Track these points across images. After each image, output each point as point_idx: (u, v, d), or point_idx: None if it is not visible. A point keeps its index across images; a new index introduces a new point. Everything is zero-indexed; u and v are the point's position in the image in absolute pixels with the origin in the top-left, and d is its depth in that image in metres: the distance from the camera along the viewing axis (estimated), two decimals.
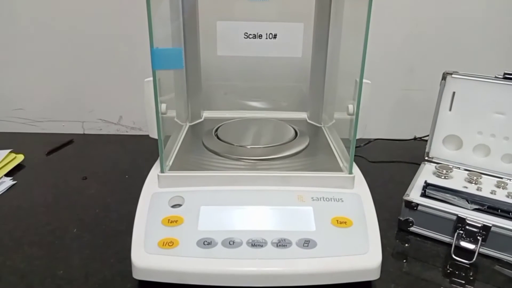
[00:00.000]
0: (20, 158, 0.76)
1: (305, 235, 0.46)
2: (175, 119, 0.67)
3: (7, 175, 0.71)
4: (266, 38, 0.46)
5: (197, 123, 0.70)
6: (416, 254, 0.54)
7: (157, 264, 0.44)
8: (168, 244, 0.45)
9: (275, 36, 0.46)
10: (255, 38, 0.46)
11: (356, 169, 0.53)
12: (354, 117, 0.50)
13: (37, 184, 0.70)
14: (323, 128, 0.69)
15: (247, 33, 0.45)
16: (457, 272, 0.51)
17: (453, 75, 0.64)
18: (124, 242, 0.53)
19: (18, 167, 0.75)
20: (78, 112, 0.91)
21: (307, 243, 0.45)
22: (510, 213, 0.53)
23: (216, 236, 0.46)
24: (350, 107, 0.52)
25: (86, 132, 0.92)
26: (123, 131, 0.93)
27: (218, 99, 0.84)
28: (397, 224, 0.58)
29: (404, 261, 0.53)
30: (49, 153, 0.81)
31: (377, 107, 0.90)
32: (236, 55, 0.47)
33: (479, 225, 0.51)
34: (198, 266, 0.43)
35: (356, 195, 0.51)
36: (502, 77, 0.61)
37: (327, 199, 0.50)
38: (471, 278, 0.50)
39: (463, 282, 0.49)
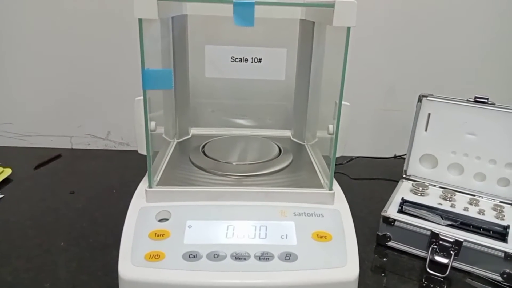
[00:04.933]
0: (7, 172, 0.77)
1: (287, 249, 0.48)
2: (163, 136, 0.69)
3: None
4: (252, 62, 0.49)
5: (185, 140, 0.73)
6: (393, 267, 0.57)
7: (143, 276, 0.45)
8: (155, 257, 0.46)
9: (260, 60, 0.49)
10: (241, 61, 0.48)
11: (336, 186, 0.56)
12: (334, 136, 0.53)
13: (25, 198, 0.70)
14: (306, 146, 0.72)
15: (233, 56, 0.48)
16: (431, 285, 0.53)
17: (428, 98, 0.68)
18: (111, 255, 0.55)
19: (6, 181, 0.75)
20: (66, 127, 0.92)
21: (288, 256, 0.47)
22: (481, 229, 0.56)
23: (201, 249, 0.47)
24: (330, 127, 0.54)
25: (74, 147, 0.93)
26: (111, 146, 0.94)
27: (206, 116, 0.86)
28: (376, 239, 0.61)
29: (382, 274, 0.56)
30: (37, 167, 0.82)
31: (359, 126, 0.93)
32: (223, 77, 0.49)
33: (452, 240, 0.54)
34: (183, 278, 0.45)
35: (336, 211, 0.53)
36: (473, 100, 0.65)
37: (308, 214, 0.52)
38: None
39: None
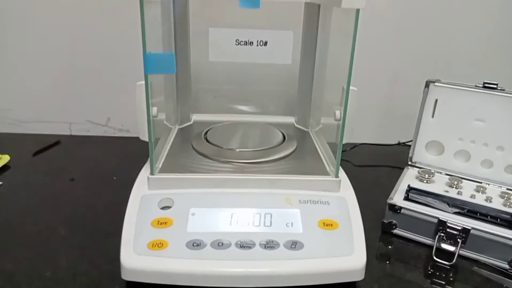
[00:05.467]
0: (5, 158, 0.76)
1: (293, 237, 0.47)
2: (165, 122, 0.67)
3: None
4: (257, 45, 0.47)
5: (186, 126, 0.71)
6: (399, 255, 0.56)
7: (146, 265, 0.44)
8: (158, 245, 0.45)
9: (265, 43, 0.47)
10: (246, 45, 0.47)
11: (342, 173, 0.55)
12: (341, 122, 0.52)
13: (23, 185, 0.69)
14: (310, 132, 0.70)
15: (238, 39, 0.46)
16: (438, 273, 0.52)
17: (435, 83, 0.66)
18: (112, 243, 0.53)
19: (4, 168, 0.74)
20: (65, 113, 0.90)
21: (294, 245, 0.46)
22: (488, 217, 0.55)
23: (205, 237, 0.46)
24: (337, 113, 0.53)
25: (73, 134, 0.92)
26: (111, 132, 0.93)
27: (208, 102, 0.85)
28: (381, 226, 0.60)
29: (387, 262, 0.55)
30: (36, 154, 0.81)
31: (363, 112, 0.92)
32: (228, 61, 0.47)
33: (459, 228, 0.53)
34: (187, 267, 0.44)
35: (342, 198, 0.52)
36: (482, 86, 0.63)
37: (314, 202, 0.51)
38: (451, 278, 0.52)
39: (444, 282, 0.51)
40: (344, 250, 0.46)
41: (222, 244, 0.46)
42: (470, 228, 0.53)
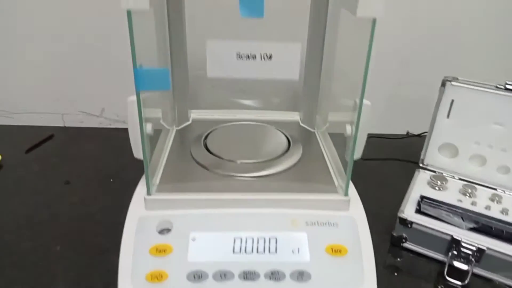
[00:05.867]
0: None
1: (299, 267, 0.44)
2: (161, 122, 0.63)
3: None
4: (261, 59, 0.42)
5: (185, 127, 0.67)
6: (408, 271, 0.54)
7: None
8: (157, 277, 0.43)
9: (270, 57, 0.42)
10: (248, 59, 0.42)
11: (352, 189, 0.52)
12: (352, 139, 0.48)
13: (17, 190, 0.66)
14: (316, 134, 0.66)
15: (239, 53, 0.41)
16: None
17: (452, 83, 0.61)
18: (110, 263, 0.51)
19: None
20: (58, 104, 0.86)
21: (301, 276, 0.44)
22: (504, 232, 0.53)
23: (206, 268, 0.44)
24: (348, 128, 0.49)
25: (66, 125, 0.88)
26: (106, 124, 0.88)
27: (205, 93, 0.80)
28: (390, 239, 0.58)
29: (396, 278, 0.53)
30: (28, 151, 0.77)
31: (369, 100, 0.87)
32: (228, 76, 0.43)
33: (474, 248, 0.51)
34: None
35: (351, 219, 0.49)
36: (503, 87, 0.59)
37: (322, 224, 0.48)
38: None
39: None
40: (354, 280, 0.44)
41: (225, 276, 0.43)
42: (485, 248, 0.51)
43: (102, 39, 0.79)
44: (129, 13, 0.38)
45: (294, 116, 0.71)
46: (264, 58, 0.42)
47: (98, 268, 0.51)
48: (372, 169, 0.77)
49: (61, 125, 0.88)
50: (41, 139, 0.81)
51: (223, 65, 0.42)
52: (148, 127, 0.47)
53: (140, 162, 0.50)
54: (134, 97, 0.44)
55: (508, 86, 0.58)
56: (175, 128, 0.66)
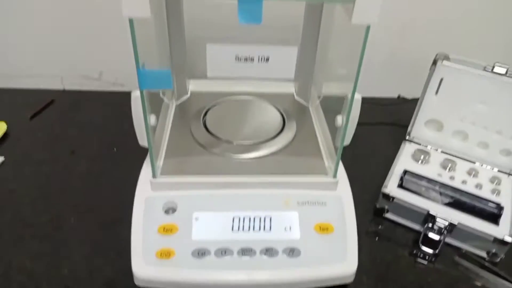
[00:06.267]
0: (3, 127, 0.75)
1: (291, 244, 0.50)
2: (161, 96, 0.65)
3: None
4: (258, 61, 0.44)
5: (184, 102, 0.69)
6: (388, 239, 0.60)
7: (155, 274, 0.48)
8: (165, 254, 0.49)
9: (267, 59, 0.44)
10: (246, 61, 0.43)
11: (340, 170, 0.56)
12: (342, 128, 0.51)
13: (26, 160, 0.70)
14: (310, 109, 0.69)
15: (238, 56, 0.43)
16: (423, 259, 0.57)
17: (443, 62, 0.63)
18: (121, 233, 0.56)
19: (3, 137, 0.74)
20: (56, 66, 0.87)
21: (292, 252, 0.50)
22: (475, 208, 0.58)
23: (209, 245, 0.50)
24: (339, 119, 0.52)
25: (66, 88, 0.89)
26: (104, 87, 0.90)
27: (202, 61, 0.80)
28: (373, 208, 0.63)
29: (375, 245, 0.59)
30: (32, 118, 0.80)
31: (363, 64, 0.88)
32: (227, 76, 0.45)
33: (447, 223, 0.57)
34: (193, 276, 0.48)
35: (338, 198, 0.54)
36: (490, 70, 0.61)
37: (312, 203, 0.53)
38: (434, 266, 0.57)
39: (428, 268, 0.56)
40: (338, 256, 0.50)
41: (225, 252, 0.49)
42: (456, 223, 0.57)
43: (100, 3, 0.78)
44: (131, 21, 0.39)
45: (289, 88, 0.74)
46: (261, 60, 0.44)
47: (110, 239, 0.57)
48: (361, 134, 0.81)
49: (60, 87, 0.89)
50: (43, 104, 0.83)
51: (222, 67, 0.44)
52: (152, 119, 0.50)
53: None
54: (138, 93, 0.46)
55: (495, 70, 0.60)
56: (174, 103, 0.68)
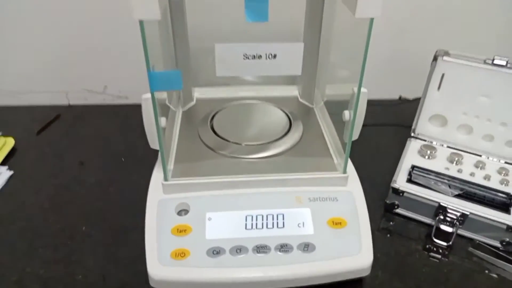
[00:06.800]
0: (10, 142, 0.75)
1: (305, 239, 0.50)
2: (167, 103, 0.66)
3: (1, 163, 0.71)
4: (266, 59, 0.45)
5: (190, 108, 0.70)
6: (400, 234, 0.60)
7: (171, 274, 0.48)
8: (180, 255, 0.49)
9: (274, 56, 0.45)
10: (254, 58, 0.44)
11: (350, 167, 0.57)
12: (350, 123, 0.52)
13: (35, 173, 0.70)
14: (315, 110, 0.70)
15: (246, 54, 0.44)
16: (436, 252, 0.57)
17: (444, 58, 0.65)
18: (133, 240, 0.57)
19: (10, 152, 0.74)
20: (61, 82, 0.88)
21: (306, 247, 0.50)
22: (485, 198, 0.59)
23: (223, 244, 0.50)
24: (346, 113, 0.53)
25: (71, 103, 0.90)
26: (109, 100, 0.91)
27: (206, 70, 0.81)
28: (384, 205, 0.64)
29: (388, 240, 0.59)
30: (39, 133, 0.80)
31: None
32: (236, 75, 0.46)
33: (458, 213, 0.57)
34: (209, 275, 0.48)
35: (349, 193, 0.55)
36: (491, 62, 0.62)
37: (323, 199, 0.54)
38: (448, 258, 0.57)
39: (442, 260, 0.56)
40: (353, 249, 0.50)
41: (240, 250, 0.49)
42: (468, 213, 0.57)
43: (105, 17, 0.80)
44: (141, 23, 0.40)
45: (293, 91, 0.75)
46: (269, 57, 0.45)
47: (122, 245, 0.57)
48: (366, 134, 0.82)
49: (66, 103, 0.90)
50: (49, 119, 0.84)
51: (230, 66, 0.45)
52: (162, 121, 0.50)
53: (145, 139, 0.53)
54: (149, 95, 0.47)
55: (495, 62, 0.62)
56: (181, 110, 0.69)
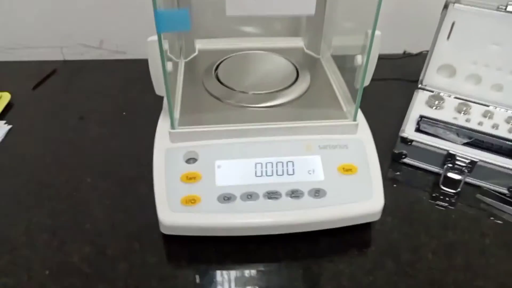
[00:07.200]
0: (6, 97, 0.73)
1: (315, 185, 0.50)
2: (169, 54, 0.64)
3: None
4: None
5: (193, 59, 0.68)
6: (408, 183, 0.61)
7: (182, 221, 0.47)
8: (191, 201, 0.48)
9: None
10: None
11: (359, 114, 0.56)
12: (362, 68, 0.51)
13: (34, 127, 0.68)
14: (321, 60, 0.68)
15: None
16: (444, 199, 0.57)
17: (455, 5, 0.63)
18: (140, 189, 0.56)
19: (7, 107, 0.72)
20: (55, 37, 0.84)
21: (317, 193, 0.49)
22: (493, 145, 0.59)
23: (234, 190, 0.49)
24: (358, 58, 0.51)
25: (66, 58, 0.87)
26: (106, 55, 0.88)
27: (208, 22, 0.79)
28: (391, 155, 0.63)
29: (396, 189, 0.59)
30: (35, 87, 0.78)
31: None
32: (247, 14, 0.44)
33: (467, 161, 0.57)
34: (220, 220, 0.47)
35: (359, 141, 0.54)
36: (504, 9, 0.60)
37: (333, 147, 0.53)
38: (456, 205, 0.57)
39: (450, 207, 0.56)
40: (364, 194, 0.50)
41: (251, 196, 0.49)
42: (477, 160, 0.57)
43: None
44: None
45: (298, 42, 0.73)
46: None
47: (130, 195, 0.56)
48: (371, 88, 0.81)
49: (61, 58, 0.87)
50: (45, 74, 0.81)
51: (241, 4, 0.42)
52: (169, 66, 0.48)
53: (146, 94, 0.52)
54: (155, 37, 0.45)
55: (509, 8, 0.60)
56: (183, 60, 0.67)
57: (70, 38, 0.85)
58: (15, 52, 0.85)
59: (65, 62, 0.86)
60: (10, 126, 0.68)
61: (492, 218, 0.55)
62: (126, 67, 0.83)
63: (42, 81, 0.79)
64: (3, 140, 0.65)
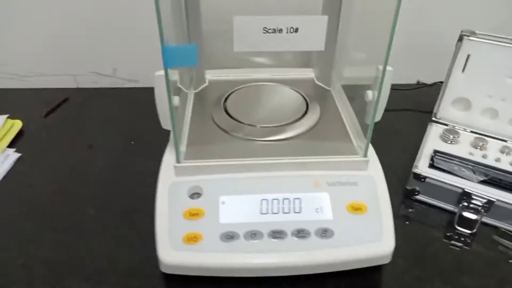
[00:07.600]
0: (18, 125, 0.74)
1: (323, 224, 0.48)
2: (179, 85, 0.64)
3: (9, 146, 0.70)
4: (287, 32, 0.42)
5: (202, 90, 0.68)
6: (421, 221, 0.58)
7: (183, 259, 0.46)
8: (193, 239, 0.47)
9: (296, 30, 0.42)
10: (274, 32, 0.42)
11: (370, 150, 0.54)
12: (373, 103, 0.49)
13: (43, 156, 0.68)
14: (332, 92, 0.67)
15: (266, 27, 0.41)
16: (459, 240, 0.54)
17: (470, 37, 0.61)
18: (143, 222, 0.55)
19: (18, 134, 0.73)
20: (68, 65, 0.86)
21: (325, 233, 0.47)
22: None
23: (237, 228, 0.47)
24: (369, 93, 0.50)
25: (79, 86, 0.88)
26: (118, 84, 0.89)
27: (219, 53, 0.79)
28: (403, 191, 0.61)
29: (408, 228, 0.57)
30: (47, 115, 0.79)
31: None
32: (254, 50, 0.43)
33: (484, 200, 0.54)
34: (222, 260, 0.46)
35: (370, 178, 0.52)
36: None
37: (342, 184, 0.51)
38: (472, 246, 0.54)
39: (464, 248, 0.54)
40: (373, 235, 0.48)
41: (255, 235, 0.47)
42: (494, 199, 0.54)
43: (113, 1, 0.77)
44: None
45: (309, 73, 0.72)
46: (290, 31, 0.42)
47: (132, 228, 0.55)
48: (384, 119, 0.79)
49: (74, 86, 0.88)
50: (57, 102, 0.82)
51: (249, 40, 0.42)
52: (176, 100, 0.48)
53: (157, 124, 0.51)
54: (162, 72, 0.45)
55: None
56: (193, 91, 0.67)
57: (84, 66, 0.86)
58: (28, 79, 0.86)
59: (77, 89, 0.87)
60: (19, 155, 0.68)
61: (511, 261, 0.52)
62: (138, 95, 0.83)
63: (54, 109, 0.80)
64: (11, 168, 0.65)
